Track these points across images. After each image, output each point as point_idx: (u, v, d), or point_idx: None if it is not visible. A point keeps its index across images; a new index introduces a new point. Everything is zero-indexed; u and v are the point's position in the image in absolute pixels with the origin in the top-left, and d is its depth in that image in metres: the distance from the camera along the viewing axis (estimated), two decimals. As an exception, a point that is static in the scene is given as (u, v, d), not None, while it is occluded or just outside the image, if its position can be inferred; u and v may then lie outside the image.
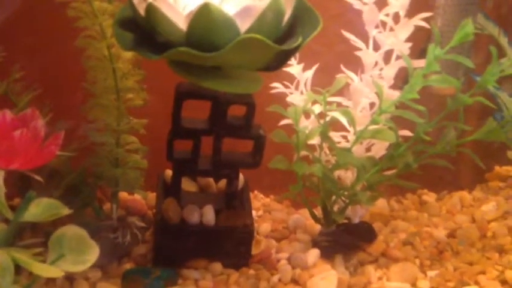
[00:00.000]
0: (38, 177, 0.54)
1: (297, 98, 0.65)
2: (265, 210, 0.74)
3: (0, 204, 0.40)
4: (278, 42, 0.52)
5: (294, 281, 0.61)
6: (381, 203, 0.74)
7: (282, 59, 0.53)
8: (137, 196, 0.74)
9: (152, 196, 0.74)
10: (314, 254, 0.64)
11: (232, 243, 0.64)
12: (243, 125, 0.62)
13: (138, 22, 0.54)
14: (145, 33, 0.53)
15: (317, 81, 0.68)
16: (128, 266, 0.64)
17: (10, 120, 0.57)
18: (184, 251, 0.63)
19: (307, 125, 0.64)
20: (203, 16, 0.48)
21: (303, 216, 0.72)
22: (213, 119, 0.62)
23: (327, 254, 0.65)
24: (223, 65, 0.53)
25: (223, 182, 0.71)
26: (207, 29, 0.49)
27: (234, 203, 0.66)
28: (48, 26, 0.69)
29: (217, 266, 0.63)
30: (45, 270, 0.35)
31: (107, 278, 0.60)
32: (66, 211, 0.43)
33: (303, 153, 0.66)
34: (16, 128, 0.58)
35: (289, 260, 0.64)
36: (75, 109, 0.66)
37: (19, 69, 0.61)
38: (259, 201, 0.77)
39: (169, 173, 0.71)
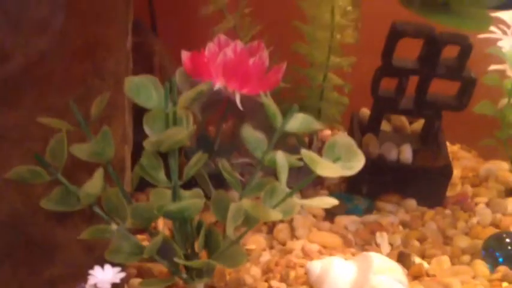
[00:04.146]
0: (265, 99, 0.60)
1: (511, 42, 0.64)
2: (453, 158, 0.74)
3: (275, 114, 0.46)
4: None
5: (494, 225, 0.62)
6: None
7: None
8: (327, 132, 0.79)
9: (341, 133, 0.79)
10: (514, 202, 0.64)
11: (428, 183, 0.66)
12: (456, 66, 0.63)
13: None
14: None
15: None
16: (322, 192, 0.69)
17: (240, 50, 0.64)
18: (378, 185, 0.67)
19: (521, 71, 0.63)
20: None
21: (494, 166, 0.72)
22: (425, 58, 0.64)
23: (528, 204, 0.64)
24: (456, 1, 0.53)
25: (417, 124, 0.73)
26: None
27: (430, 143, 0.68)
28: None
29: (411, 203, 0.66)
30: (330, 169, 0.40)
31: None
32: (318, 126, 0.48)
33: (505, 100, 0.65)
34: (245, 56, 0.64)
35: (488, 204, 0.64)
36: (283, 46, 0.71)
37: (247, 5, 0.68)
38: (446, 148, 0.78)
39: (364, 111, 0.74)
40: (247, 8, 0.68)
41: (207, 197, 0.52)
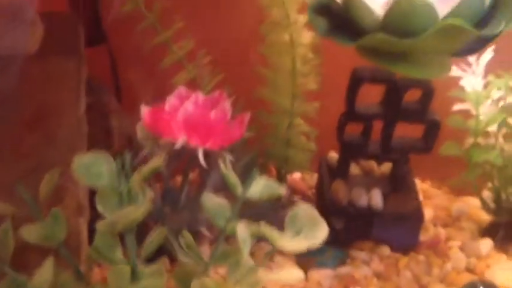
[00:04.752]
0: (229, 157, 0.59)
1: (473, 82, 0.64)
2: (424, 196, 0.74)
3: (234, 184, 0.44)
4: (477, 26, 0.51)
5: (469, 270, 0.60)
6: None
7: (480, 44, 0.52)
8: (296, 176, 0.77)
9: (310, 176, 0.77)
10: (487, 243, 0.63)
11: (400, 228, 0.64)
12: (419, 110, 0.62)
13: (332, 8, 0.55)
14: (339, 19, 0.54)
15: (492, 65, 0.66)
16: (294, 242, 0.67)
17: (202, 102, 0.62)
18: (350, 232, 0.65)
19: (484, 111, 0.63)
20: (403, 3, 0.49)
21: (466, 203, 0.72)
22: (388, 103, 0.63)
23: (500, 245, 0.63)
24: (415, 51, 0.53)
25: (386, 166, 0.72)
26: (405, 15, 0.50)
27: (400, 186, 0.67)
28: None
29: (385, 249, 0.64)
30: (291, 245, 0.39)
31: (280, 252, 0.64)
32: (282, 191, 0.46)
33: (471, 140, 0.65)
34: (206, 108, 0.63)
35: (461, 248, 0.63)
36: (247, 93, 0.69)
37: (205, 54, 0.66)
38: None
39: (333, 155, 0.73)
40: (207, 56, 0.67)
41: (173, 259, 0.49)
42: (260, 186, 0.45)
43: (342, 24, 0.54)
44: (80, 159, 0.40)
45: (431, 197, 0.74)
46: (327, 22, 0.55)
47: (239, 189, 0.45)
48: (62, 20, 0.58)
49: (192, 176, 0.77)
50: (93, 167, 0.41)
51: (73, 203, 0.47)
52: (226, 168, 0.45)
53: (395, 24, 0.51)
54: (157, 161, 0.43)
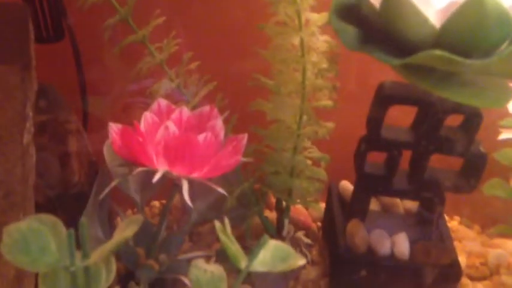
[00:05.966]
0: (221, 190, 0.46)
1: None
2: (454, 238, 0.61)
3: (236, 255, 0.31)
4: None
5: None
6: None
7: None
8: (299, 205, 0.64)
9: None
10: (539, 307, 0.52)
11: (431, 283, 0.52)
12: (462, 140, 0.50)
13: (363, 12, 0.42)
14: (372, 27, 0.41)
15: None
16: (298, 291, 0.54)
17: (186, 119, 0.49)
18: (370, 286, 0.53)
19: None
20: (472, 9, 0.36)
21: (504, 248, 0.59)
22: (422, 129, 0.50)
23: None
24: (478, 73, 0.40)
25: (412, 202, 0.59)
26: (472, 26, 0.37)
27: (431, 230, 0.55)
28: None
29: (412, 309, 0.52)
30: None
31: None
32: (300, 261, 0.33)
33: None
34: (193, 129, 0.50)
35: (507, 313, 0.52)
36: (244, 107, 0.56)
37: (192, 58, 0.53)
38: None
39: (346, 185, 0.60)
40: (194, 60, 0.53)
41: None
42: (269, 253, 0.32)
43: (377, 33, 0.41)
44: (12, 229, 0.26)
45: (461, 239, 0.62)
46: (357, 30, 0.41)
47: (243, 262, 0.32)
48: (5, 14, 0.43)
49: (175, 202, 0.64)
50: (33, 239, 0.27)
51: (10, 272, 0.33)
52: (225, 234, 0.32)
53: (457, 37, 0.37)
54: (127, 233, 0.30)
